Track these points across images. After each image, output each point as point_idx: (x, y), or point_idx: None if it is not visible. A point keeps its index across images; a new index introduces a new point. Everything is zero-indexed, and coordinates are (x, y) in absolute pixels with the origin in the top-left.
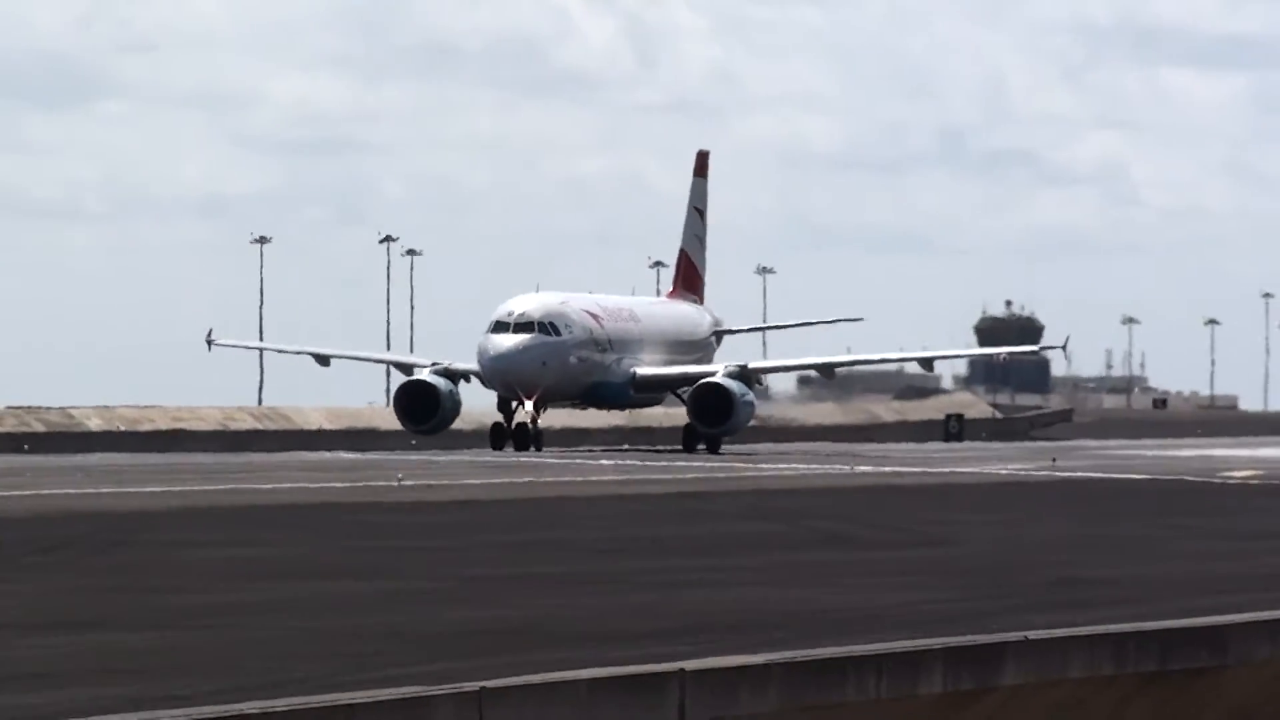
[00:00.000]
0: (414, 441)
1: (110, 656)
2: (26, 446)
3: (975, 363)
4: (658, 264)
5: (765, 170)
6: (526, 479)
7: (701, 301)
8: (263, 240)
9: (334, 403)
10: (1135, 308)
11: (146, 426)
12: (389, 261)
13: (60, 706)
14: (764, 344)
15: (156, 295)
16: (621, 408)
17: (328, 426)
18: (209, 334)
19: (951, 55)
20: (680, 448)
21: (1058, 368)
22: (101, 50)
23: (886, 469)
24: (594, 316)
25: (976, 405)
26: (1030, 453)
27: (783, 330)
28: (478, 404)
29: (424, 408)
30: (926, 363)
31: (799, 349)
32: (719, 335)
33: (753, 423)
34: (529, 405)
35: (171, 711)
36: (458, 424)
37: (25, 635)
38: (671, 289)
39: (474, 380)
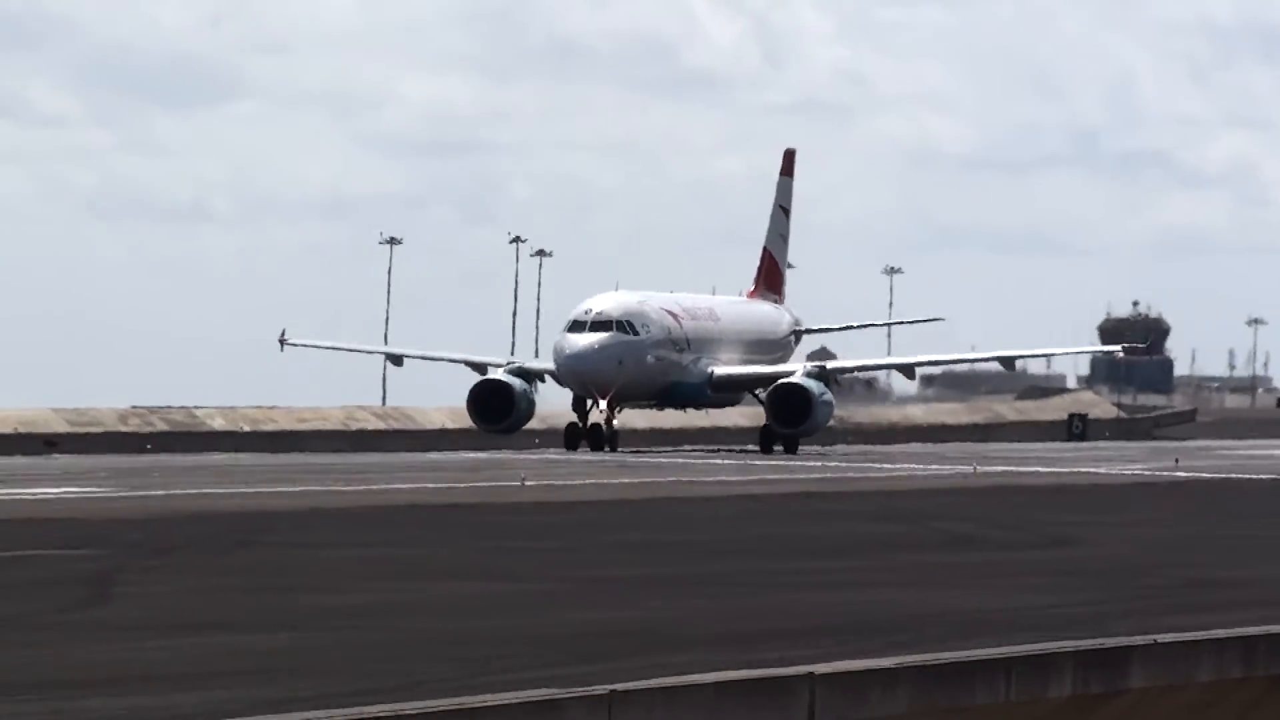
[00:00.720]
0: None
1: (237, 658)
2: (149, 446)
3: (1098, 362)
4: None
5: (893, 171)
6: (648, 479)
7: (782, 300)
8: (392, 241)
9: (457, 403)
10: (1261, 308)
11: (270, 426)
12: (518, 262)
13: (188, 708)
14: (889, 343)
15: (283, 297)
16: (699, 407)
17: (450, 426)
18: (283, 334)
19: (1079, 56)
20: (757, 448)
21: (1181, 367)
22: (232, 50)
23: (1011, 469)
24: (673, 315)
25: (1100, 405)
26: (1154, 453)
27: (878, 331)
28: (554, 404)
29: (498, 407)
30: (1008, 361)
31: (911, 348)
32: (798, 335)
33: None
34: (604, 405)
35: (299, 714)
36: (533, 424)
37: (153, 637)
38: (752, 288)
39: (549, 380)
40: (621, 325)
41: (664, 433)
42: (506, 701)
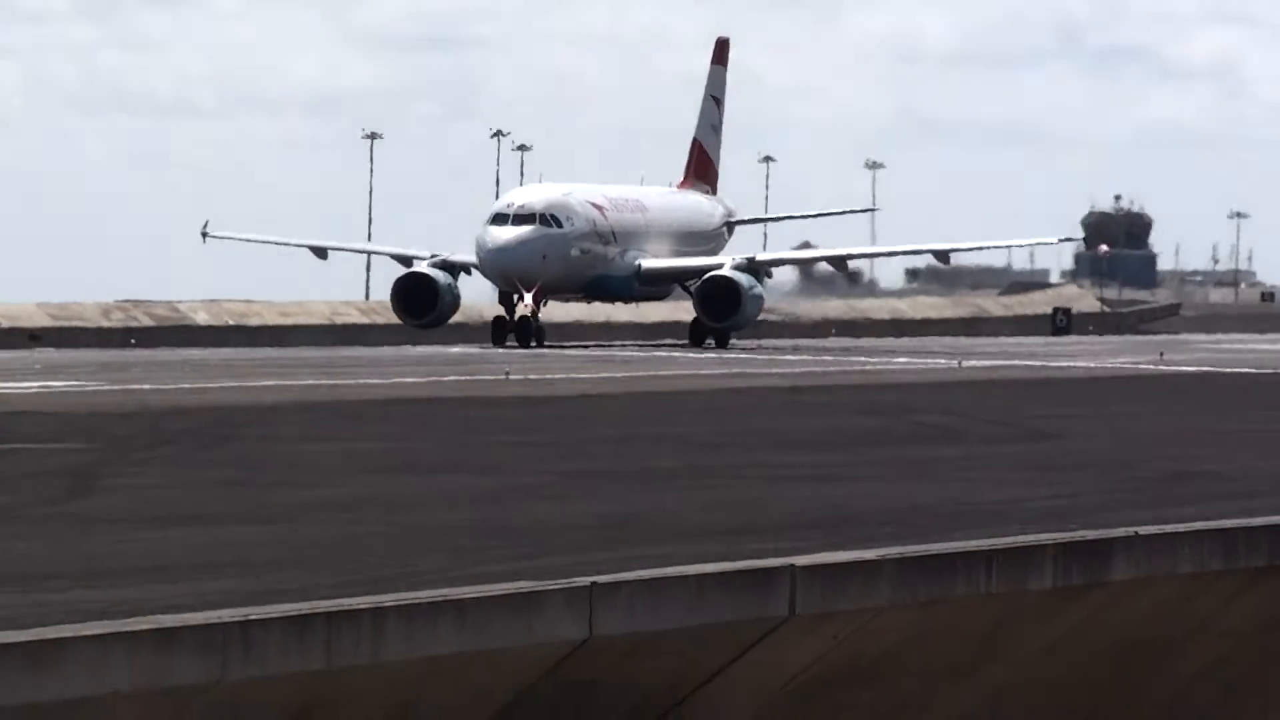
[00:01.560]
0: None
1: (221, 550)
2: (134, 340)
3: (1082, 257)
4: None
5: (878, 65)
6: (631, 374)
7: (714, 192)
8: (374, 136)
9: None
10: (1244, 202)
11: (254, 321)
12: (499, 156)
13: (173, 600)
14: (873, 234)
15: (266, 192)
16: (627, 301)
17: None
18: (204, 225)
19: None
20: (687, 342)
21: (1165, 262)
22: None
23: (995, 363)
24: (598, 208)
25: (1084, 299)
26: (1138, 346)
27: (862, 222)
28: (480, 298)
29: (422, 301)
30: (942, 255)
31: (904, 239)
32: (731, 226)
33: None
34: (529, 299)
35: (282, 606)
36: (458, 318)
37: (137, 529)
38: (682, 179)
39: (475, 274)
40: (545, 218)
41: (591, 326)
42: (487, 594)
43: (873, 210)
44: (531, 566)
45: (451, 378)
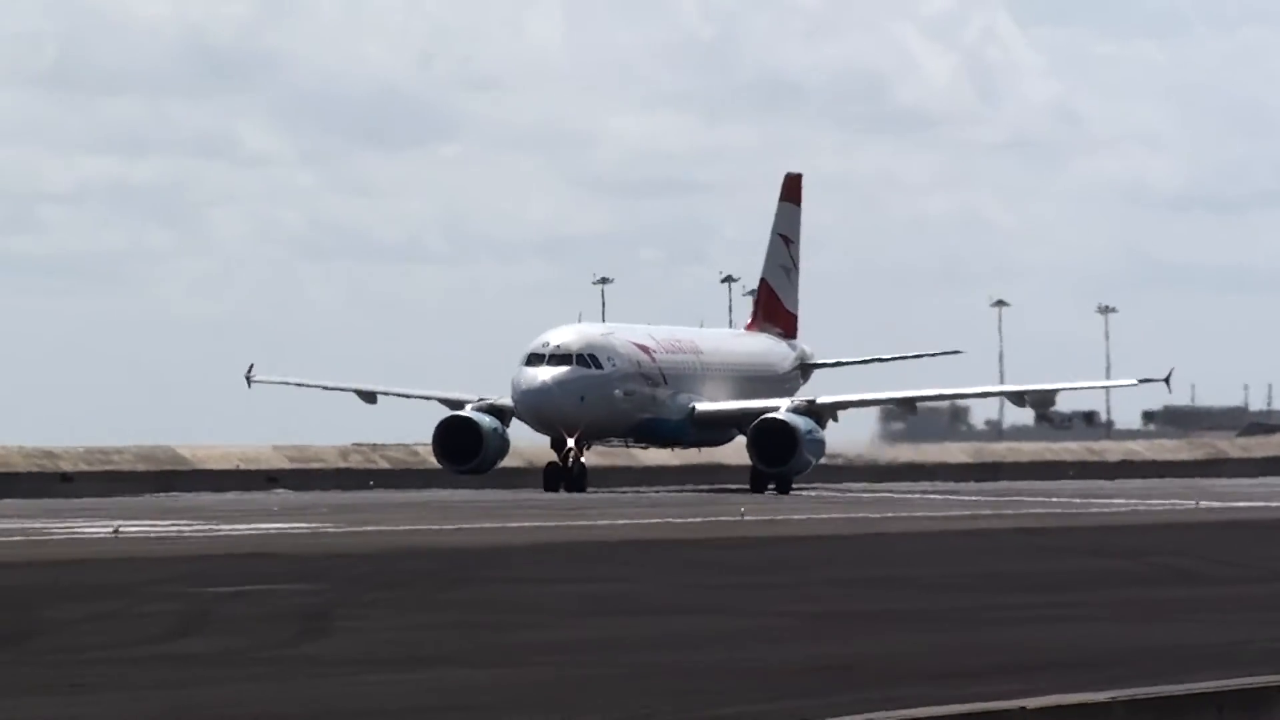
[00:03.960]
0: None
1: (454, 694)
2: (372, 483)
3: None
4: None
5: (1106, 208)
6: (868, 514)
7: (790, 334)
8: (604, 281)
9: None
10: None
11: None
12: (730, 302)
13: None
14: (1107, 369)
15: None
16: (683, 446)
17: (675, 463)
18: (249, 370)
19: None
20: (748, 488)
21: None
22: (442, 89)
23: (1233, 504)
24: (643, 349)
25: None
26: None
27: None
28: (535, 442)
29: (466, 446)
30: (1017, 397)
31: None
32: (807, 369)
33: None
34: (571, 443)
35: None
36: (511, 462)
37: (370, 671)
38: (750, 321)
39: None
40: (583, 359)
41: (644, 471)
42: None
43: (957, 353)
44: (764, 710)
45: (679, 519)
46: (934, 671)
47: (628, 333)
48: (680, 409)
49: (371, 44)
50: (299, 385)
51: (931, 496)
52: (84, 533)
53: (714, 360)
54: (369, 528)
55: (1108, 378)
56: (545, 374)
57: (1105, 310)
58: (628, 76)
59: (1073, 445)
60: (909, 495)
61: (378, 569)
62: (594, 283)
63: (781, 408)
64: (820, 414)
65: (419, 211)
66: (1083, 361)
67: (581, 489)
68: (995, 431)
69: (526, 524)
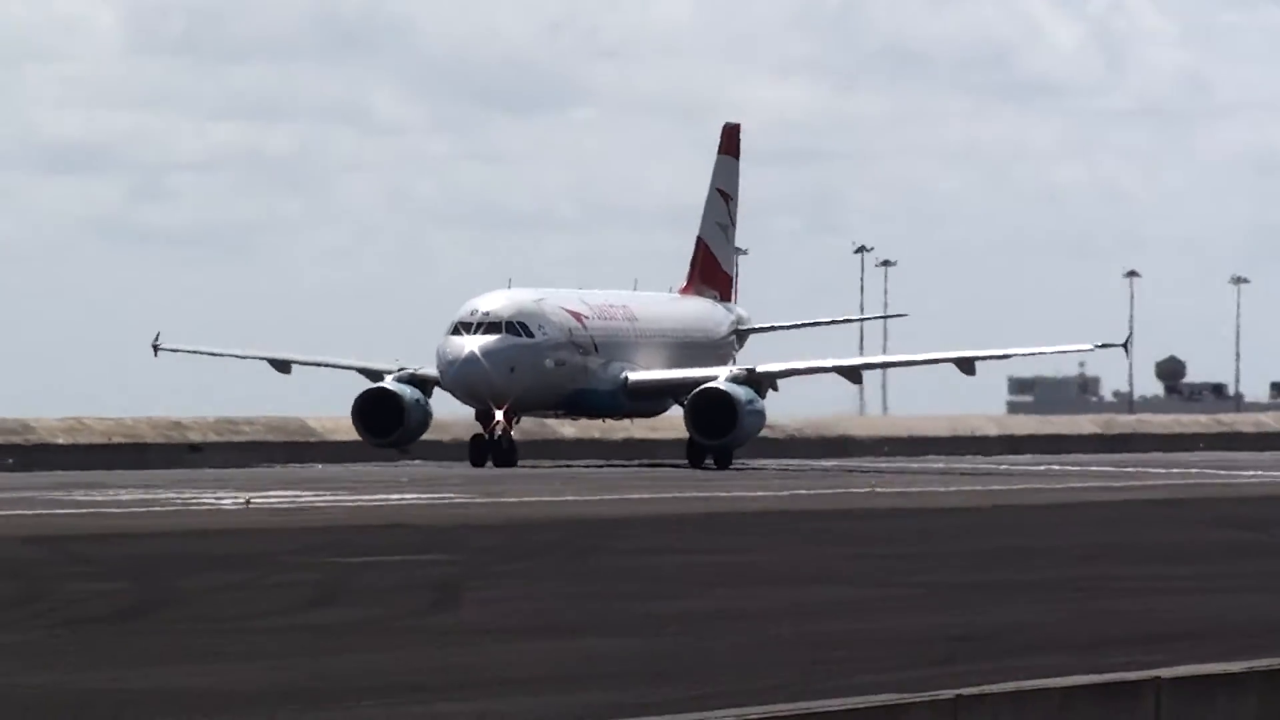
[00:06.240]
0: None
1: (584, 663)
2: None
3: None
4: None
5: (1237, 178)
6: (1000, 486)
7: (726, 297)
8: (738, 251)
9: (808, 412)
10: None
11: (620, 435)
12: (863, 271)
13: (535, 714)
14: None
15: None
16: (615, 417)
17: (808, 434)
18: (156, 338)
19: None
20: (685, 462)
21: None
22: (570, 57)
23: None
24: (575, 315)
25: None
26: None
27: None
28: (459, 412)
29: (387, 419)
30: (966, 364)
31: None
32: (742, 334)
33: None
34: (499, 415)
35: None
36: (433, 435)
37: (501, 641)
38: (685, 283)
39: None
40: (513, 326)
41: (577, 444)
42: (852, 706)
43: (901, 316)
44: (894, 679)
45: (805, 491)
46: (1065, 641)
47: (559, 298)
48: (612, 379)
49: (502, 10)
50: (210, 355)
51: (1055, 468)
52: (215, 503)
53: (648, 326)
54: (500, 499)
55: (1237, 349)
56: (473, 343)
57: (1238, 281)
58: (757, 45)
59: (1202, 418)
60: (1033, 468)
61: (508, 539)
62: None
63: (720, 377)
64: (760, 383)
65: (549, 178)
66: (1214, 333)
67: (511, 464)
68: (1124, 403)
69: (647, 495)
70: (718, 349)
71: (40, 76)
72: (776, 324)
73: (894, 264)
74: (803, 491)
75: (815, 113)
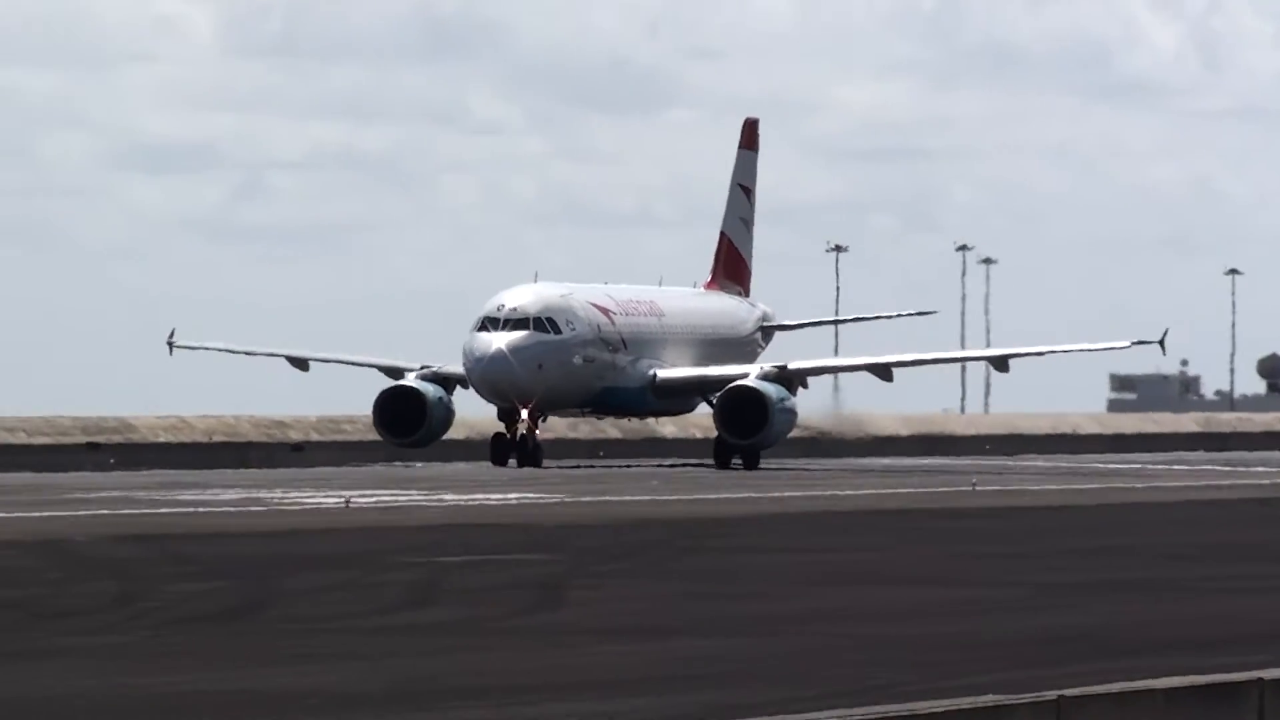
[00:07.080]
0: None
1: (685, 664)
2: (602, 453)
3: None
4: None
5: None
6: (1102, 484)
7: (747, 293)
8: (838, 249)
9: (909, 409)
10: None
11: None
12: (964, 269)
13: (636, 714)
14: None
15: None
16: (641, 416)
17: (903, 433)
18: (170, 335)
19: None
20: (711, 462)
21: None
22: (669, 56)
23: None
24: (603, 310)
25: None
26: None
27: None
28: (481, 412)
29: (409, 417)
30: (1000, 361)
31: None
32: (768, 332)
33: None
34: (524, 414)
35: None
36: (455, 434)
37: (605, 642)
38: (709, 279)
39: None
40: (540, 323)
41: (603, 444)
42: (955, 707)
43: (931, 313)
44: (1004, 679)
45: (907, 490)
46: (1169, 641)
47: (586, 293)
48: (641, 376)
49: (599, 11)
50: (223, 351)
51: (1152, 467)
52: (315, 503)
53: (676, 323)
54: (601, 498)
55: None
56: (500, 340)
57: None
58: (854, 44)
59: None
60: (1129, 466)
61: (609, 539)
62: (827, 250)
63: (750, 374)
64: (791, 381)
65: (646, 178)
66: None
67: (537, 464)
68: (1226, 402)
69: (742, 495)
70: (744, 346)
71: (139, 78)
72: (805, 321)
73: (995, 262)
74: (904, 490)
75: (912, 110)
